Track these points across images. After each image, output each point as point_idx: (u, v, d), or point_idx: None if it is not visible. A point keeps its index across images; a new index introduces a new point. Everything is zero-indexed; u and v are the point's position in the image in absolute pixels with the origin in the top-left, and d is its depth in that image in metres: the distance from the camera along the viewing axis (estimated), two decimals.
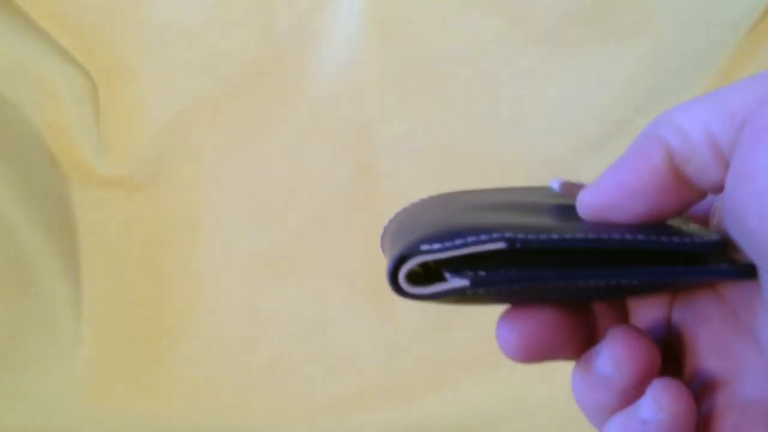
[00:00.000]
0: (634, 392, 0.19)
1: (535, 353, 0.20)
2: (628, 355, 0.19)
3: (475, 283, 0.17)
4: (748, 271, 0.18)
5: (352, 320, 0.50)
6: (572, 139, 0.48)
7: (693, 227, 0.19)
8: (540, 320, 0.20)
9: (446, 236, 0.17)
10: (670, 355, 0.20)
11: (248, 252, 0.49)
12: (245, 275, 0.49)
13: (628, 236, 0.18)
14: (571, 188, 0.21)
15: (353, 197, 0.49)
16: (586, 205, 0.19)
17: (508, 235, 0.17)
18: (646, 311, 0.22)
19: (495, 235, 0.17)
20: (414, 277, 0.18)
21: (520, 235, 0.17)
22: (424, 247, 0.17)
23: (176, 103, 0.48)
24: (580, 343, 0.21)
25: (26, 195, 0.46)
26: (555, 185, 0.22)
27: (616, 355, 0.19)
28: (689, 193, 0.18)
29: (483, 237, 0.17)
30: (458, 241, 0.17)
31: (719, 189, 0.18)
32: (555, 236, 0.17)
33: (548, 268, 0.18)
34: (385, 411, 0.48)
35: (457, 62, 0.48)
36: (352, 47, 0.48)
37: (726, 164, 0.17)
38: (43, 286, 0.47)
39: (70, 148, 0.48)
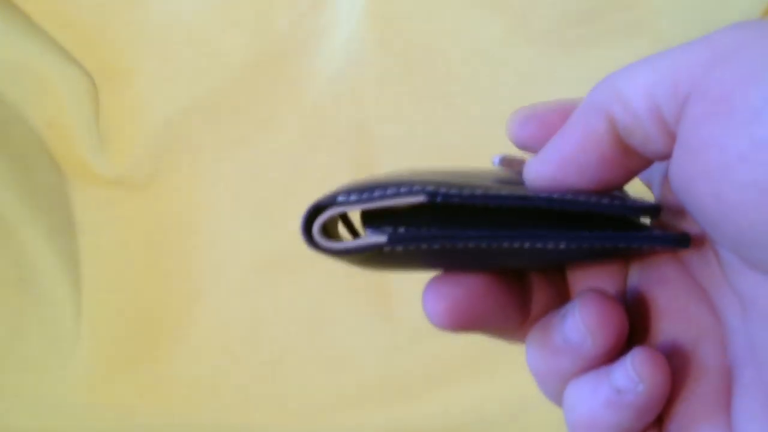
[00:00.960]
0: (602, 359, 0.18)
1: (463, 321, 0.19)
2: (601, 321, 0.18)
3: (393, 240, 0.16)
4: (682, 240, 0.17)
5: (352, 320, 0.50)
6: None
7: (632, 195, 0.19)
8: (469, 286, 0.19)
9: (365, 188, 0.16)
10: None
11: (248, 252, 0.49)
12: (245, 275, 0.49)
13: (556, 196, 0.17)
14: (511, 162, 0.21)
15: None
16: (532, 176, 0.18)
17: (429, 189, 0.16)
18: (590, 284, 0.21)
19: (415, 188, 0.16)
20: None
21: (442, 189, 0.16)
22: (341, 198, 0.16)
23: (176, 103, 0.48)
24: (513, 314, 0.20)
25: (26, 195, 0.46)
26: (495, 160, 0.22)
27: (588, 321, 0.18)
28: (635, 162, 0.18)
29: (403, 190, 0.16)
30: (377, 193, 0.16)
31: (666, 157, 0.17)
32: (479, 192, 0.16)
33: (472, 228, 0.16)
34: (385, 411, 0.48)
35: (457, 62, 0.48)
36: (352, 47, 0.48)
37: (671, 135, 0.16)
38: (43, 286, 0.47)
39: (70, 148, 0.48)
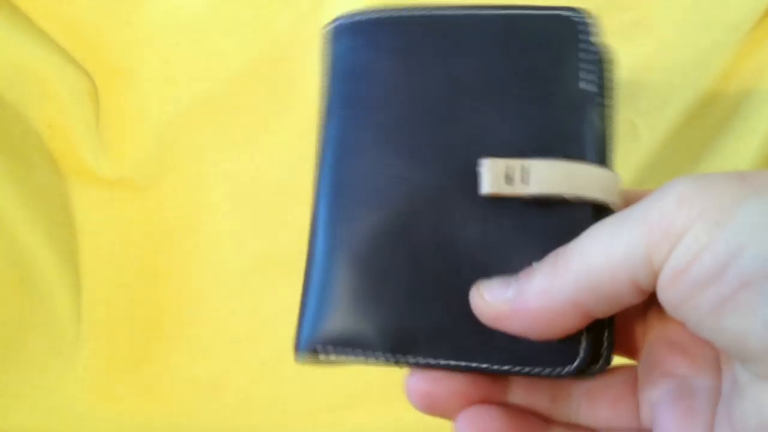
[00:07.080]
0: None
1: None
2: None
3: None
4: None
5: None
6: None
7: None
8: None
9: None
10: None
11: (248, 252, 0.49)
12: (245, 275, 0.49)
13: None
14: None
15: None
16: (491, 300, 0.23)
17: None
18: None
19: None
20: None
21: None
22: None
23: (176, 103, 0.48)
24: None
25: (26, 195, 0.46)
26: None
27: None
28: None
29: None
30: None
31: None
32: None
33: None
34: (385, 411, 0.48)
35: None
36: None
37: (644, 293, 0.19)
38: (43, 286, 0.47)
39: (70, 149, 0.48)
